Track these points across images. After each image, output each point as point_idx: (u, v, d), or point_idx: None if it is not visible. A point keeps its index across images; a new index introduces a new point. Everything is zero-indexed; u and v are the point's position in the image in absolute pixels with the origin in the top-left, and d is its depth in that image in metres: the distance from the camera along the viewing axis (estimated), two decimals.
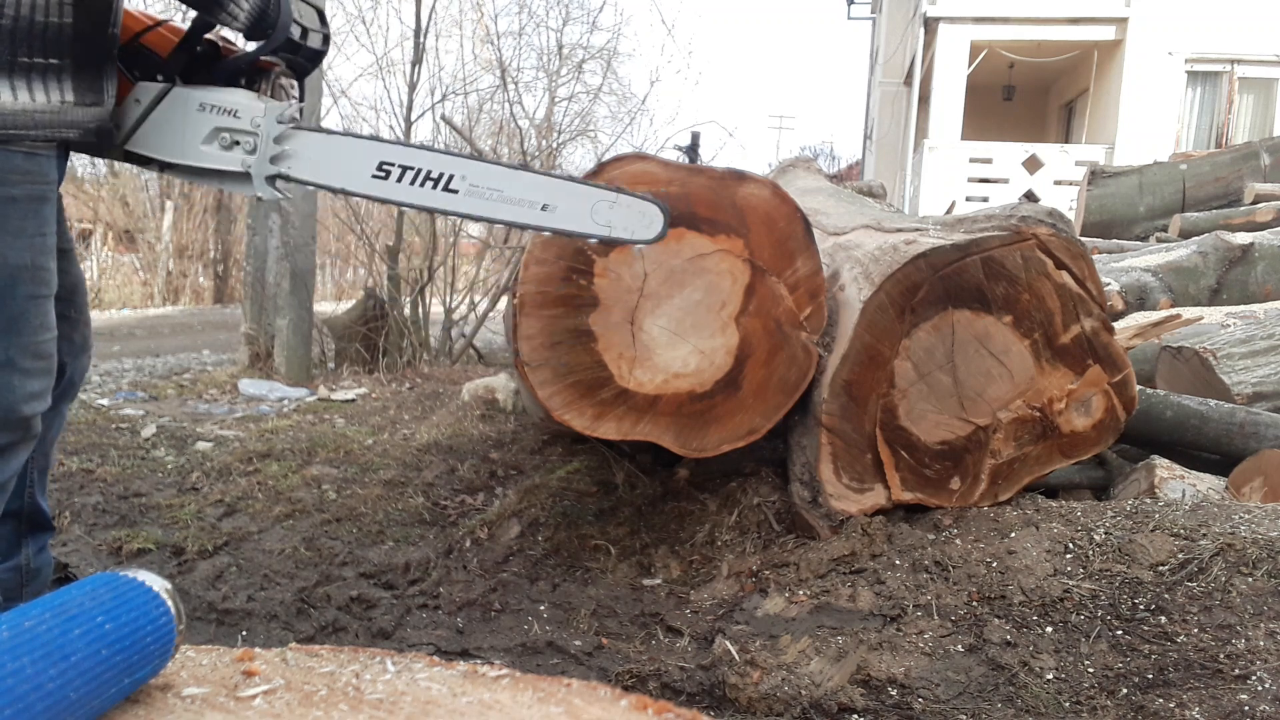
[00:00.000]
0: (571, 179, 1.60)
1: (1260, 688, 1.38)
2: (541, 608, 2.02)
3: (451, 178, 1.52)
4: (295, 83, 1.59)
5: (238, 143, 1.47)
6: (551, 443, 3.05)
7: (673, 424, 2.03)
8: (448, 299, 6.33)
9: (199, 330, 8.63)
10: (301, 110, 1.59)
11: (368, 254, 6.53)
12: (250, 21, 1.43)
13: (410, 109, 6.30)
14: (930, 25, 12.35)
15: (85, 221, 12.39)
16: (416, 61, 6.21)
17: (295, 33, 1.50)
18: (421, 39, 6.13)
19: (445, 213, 1.57)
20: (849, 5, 19.04)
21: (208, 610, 2.04)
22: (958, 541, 1.90)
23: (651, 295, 1.98)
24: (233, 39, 1.56)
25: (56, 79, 1.31)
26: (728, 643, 1.70)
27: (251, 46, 1.52)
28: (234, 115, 1.46)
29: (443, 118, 6.69)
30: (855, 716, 1.50)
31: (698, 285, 1.99)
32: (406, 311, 6.01)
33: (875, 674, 1.56)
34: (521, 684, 0.67)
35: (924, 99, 13.05)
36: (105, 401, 4.43)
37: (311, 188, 1.59)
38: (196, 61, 1.49)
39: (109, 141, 1.46)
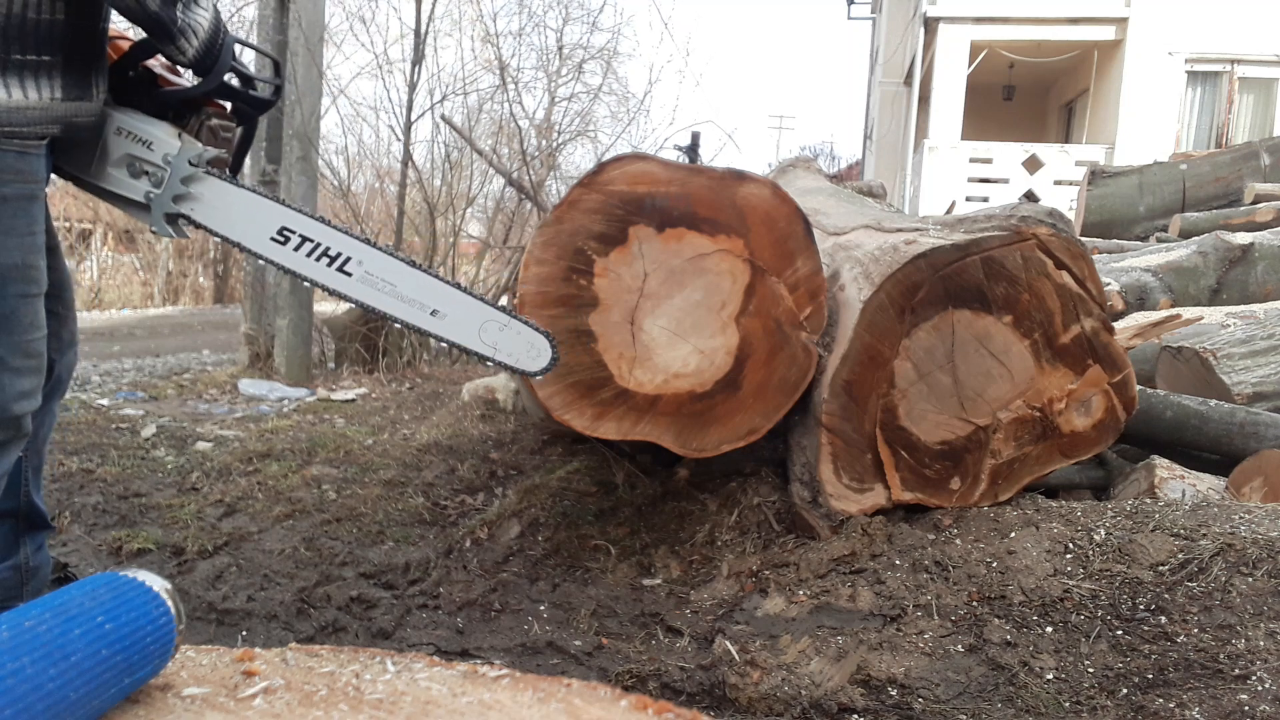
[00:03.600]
0: (468, 292, 1.61)
1: (1260, 688, 1.38)
2: (541, 608, 2.02)
3: (348, 260, 1.53)
4: (232, 126, 1.58)
5: (146, 173, 1.46)
6: (551, 443, 3.05)
7: (673, 424, 2.03)
8: None
9: (199, 330, 8.63)
10: (229, 158, 1.58)
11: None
12: (196, 59, 1.42)
13: (410, 109, 6.30)
14: (930, 25, 12.35)
15: (85, 221, 12.37)
16: (416, 61, 6.21)
17: (233, 80, 1.49)
18: (421, 38, 6.13)
19: (333, 292, 1.57)
20: (849, 5, 19.03)
21: (208, 610, 2.04)
22: (958, 541, 1.90)
23: (651, 295, 1.98)
24: (175, 70, 1.54)
25: (47, 75, 1.30)
26: (728, 643, 1.70)
27: (191, 82, 1.50)
28: (148, 146, 1.45)
29: (443, 117, 6.69)
30: (855, 716, 1.50)
31: (698, 285, 1.99)
32: None
33: (875, 674, 1.56)
34: (521, 684, 0.67)
35: (924, 99, 13.05)
36: (105, 401, 4.44)
37: (211, 235, 1.57)
38: (128, 85, 1.47)
39: (87, 137, 1.43)
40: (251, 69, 1.56)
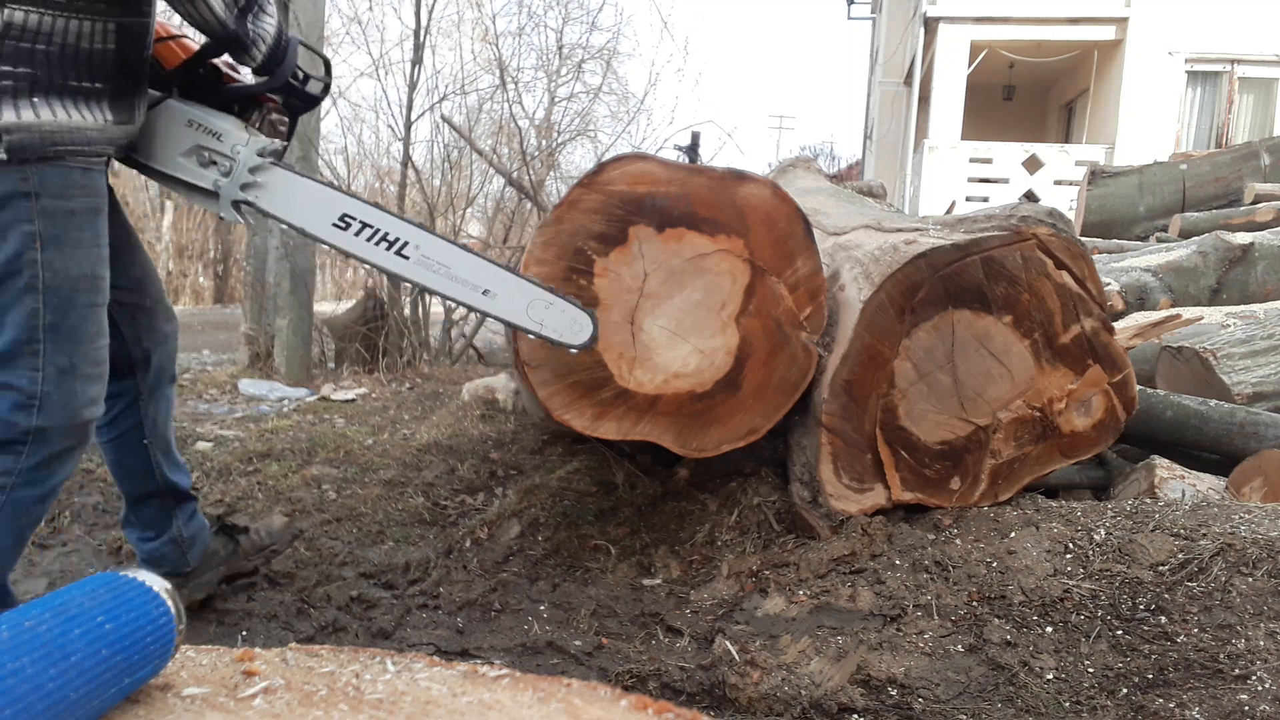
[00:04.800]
0: (516, 273, 1.70)
1: (1260, 688, 1.38)
2: (541, 608, 2.02)
3: (405, 244, 1.63)
4: (286, 120, 1.70)
5: (214, 163, 1.57)
6: (551, 443, 3.05)
7: (673, 424, 2.03)
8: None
9: (199, 330, 8.62)
10: (285, 149, 1.68)
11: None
12: (264, 63, 1.55)
13: (410, 109, 6.30)
14: (930, 25, 12.35)
15: None
16: (416, 61, 6.21)
17: (296, 77, 1.62)
18: (421, 39, 6.13)
19: (391, 274, 1.68)
20: (849, 5, 19.03)
21: (208, 610, 2.04)
22: (958, 541, 1.90)
23: (651, 295, 1.98)
24: (236, 67, 1.65)
25: (98, 100, 1.41)
26: (728, 643, 1.70)
27: (253, 79, 1.63)
28: (217, 138, 1.56)
29: (443, 117, 6.69)
30: (855, 716, 1.50)
31: (698, 285, 1.99)
32: (406, 311, 6.01)
33: (875, 674, 1.56)
34: (521, 684, 0.67)
35: (924, 99, 13.05)
36: None
37: (274, 221, 1.67)
38: (197, 81, 1.59)
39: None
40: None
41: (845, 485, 2.03)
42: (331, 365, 5.82)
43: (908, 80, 14.59)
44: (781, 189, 2.03)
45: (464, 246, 1.69)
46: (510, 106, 6.75)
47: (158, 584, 0.69)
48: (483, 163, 6.89)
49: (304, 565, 2.29)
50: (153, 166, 1.58)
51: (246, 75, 1.65)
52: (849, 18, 19.27)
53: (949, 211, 8.99)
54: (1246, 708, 1.34)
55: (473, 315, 6.48)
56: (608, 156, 2.45)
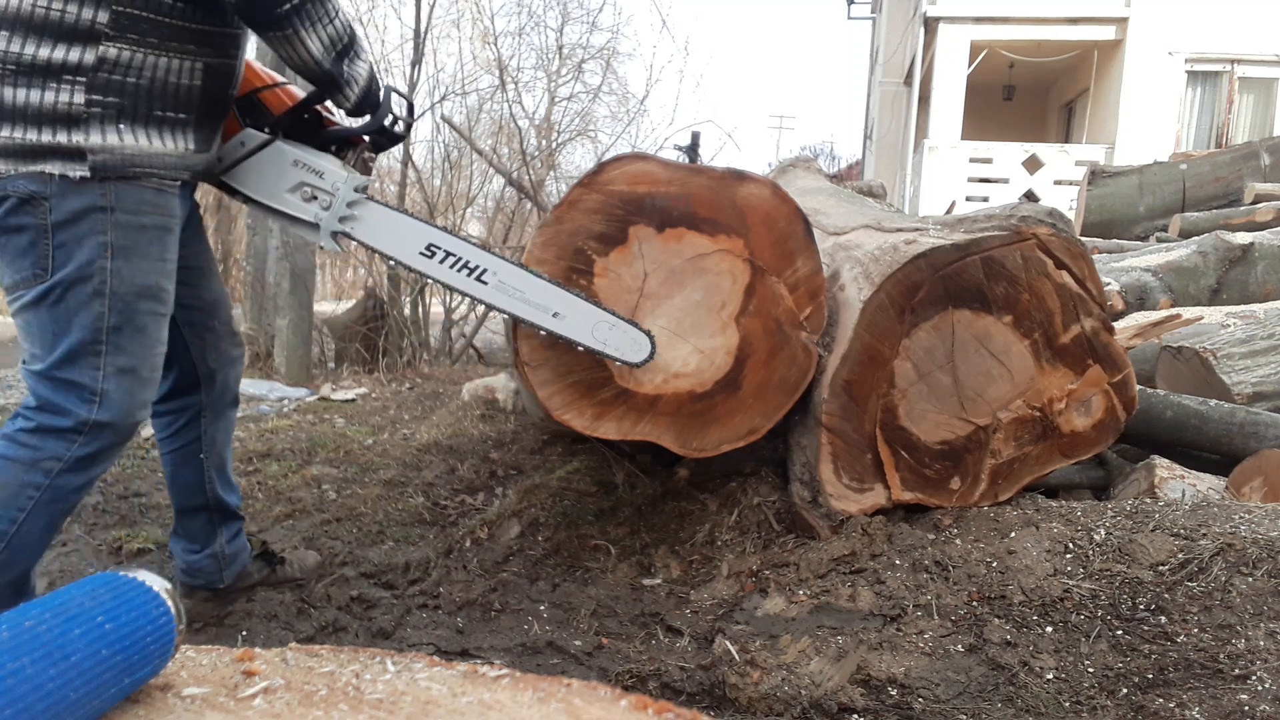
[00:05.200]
0: (582, 298, 1.86)
1: (1260, 688, 1.38)
2: (541, 608, 2.02)
3: (485, 270, 1.78)
4: (375, 157, 1.85)
5: (315, 198, 1.73)
6: (551, 443, 3.05)
7: (673, 424, 2.03)
8: (448, 299, 6.32)
9: None
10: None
11: (368, 254, 6.53)
12: (357, 104, 1.69)
13: (410, 109, 6.29)
14: (930, 25, 12.34)
15: None
16: (416, 62, 6.21)
17: (388, 121, 1.77)
18: (421, 39, 6.13)
19: (473, 298, 1.83)
20: (849, 5, 19.02)
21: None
22: (958, 541, 1.90)
23: (651, 295, 1.98)
24: (334, 111, 1.82)
25: (182, 130, 1.55)
26: (728, 643, 1.70)
27: (348, 122, 1.79)
28: (319, 175, 1.72)
29: (443, 118, 6.69)
30: (855, 716, 1.50)
31: (698, 285, 1.99)
32: (406, 311, 6.01)
33: (875, 674, 1.56)
34: (521, 684, 0.67)
35: (924, 99, 13.05)
36: None
37: (367, 249, 1.83)
38: (301, 125, 1.75)
39: (208, 173, 1.72)
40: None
41: (845, 485, 2.03)
42: (331, 365, 5.82)
43: (908, 80, 14.59)
44: (781, 189, 2.03)
45: (536, 273, 1.83)
46: (510, 106, 6.76)
47: (158, 584, 0.69)
48: (483, 163, 6.89)
49: None
50: (259, 200, 1.75)
51: (341, 117, 1.81)
52: (849, 18, 19.27)
53: (949, 211, 9.00)
54: (1246, 708, 1.34)
55: (473, 315, 6.48)
56: (608, 156, 2.45)
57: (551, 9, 8.85)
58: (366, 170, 1.81)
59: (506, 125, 6.96)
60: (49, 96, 1.41)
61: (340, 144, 1.77)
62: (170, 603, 0.69)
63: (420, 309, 6.10)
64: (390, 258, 1.79)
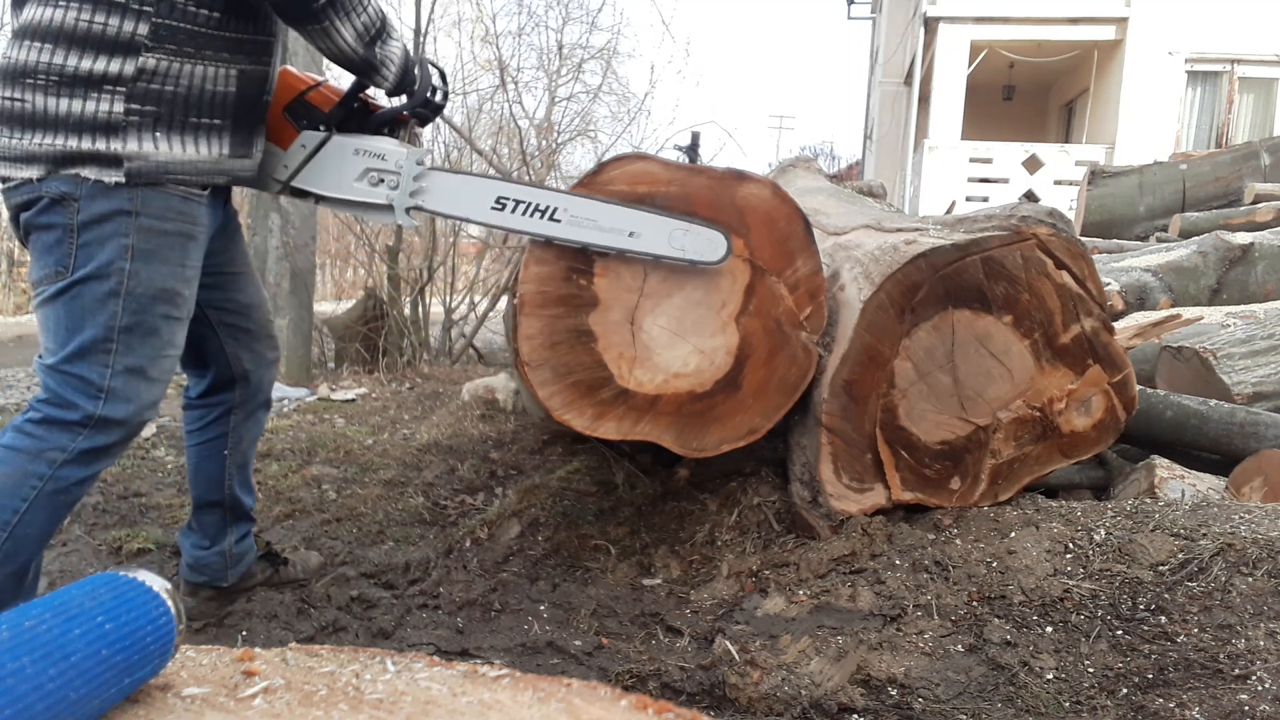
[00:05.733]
0: (652, 210, 1.89)
1: (1260, 688, 1.38)
2: (541, 608, 2.02)
3: (555, 209, 1.82)
4: (421, 129, 1.88)
5: (383, 180, 1.76)
6: (551, 443, 3.05)
7: (673, 424, 2.03)
8: (448, 299, 6.32)
9: None
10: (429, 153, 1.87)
11: (368, 254, 6.53)
12: (395, 84, 1.73)
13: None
14: (930, 25, 12.34)
15: None
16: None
17: (429, 93, 1.80)
18: (421, 39, 6.13)
19: (551, 238, 1.86)
20: (849, 5, 19.02)
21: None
22: (958, 541, 1.90)
23: (651, 295, 1.98)
24: (374, 95, 1.85)
25: (218, 136, 1.59)
26: (728, 643, 1.70)
27: (390, 101, 1.81)
28: (381, 159, 1.76)
29: (442, 117, 6.68)
30: (855, 716, 1.50)
31: (698, 285, 1.99)
32: (406, 311, 6.01)
33: (875, 674, 1.56)
34: (521, 684, 0.67)
35: (924, 99, 13.04)
36: None
37: (441, 217, 1.89)
38: (351, 115, 1.78)
39: (266, 182, 1.78)
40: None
41: (845, 485, 2.03)
42: (331, 365, 5.82)
43: (908, 80, 14.59)
44: (781, 189, 2.03)
45: (606, 199, 1.86)
46: (510, 106, 6.75)
47: (158, 584, 0.69)
48: (483, 162, 6.89)
49: None
50: (329, 196, 1.79)
51: (383, 99, 1.84)
52: (849, 18, 19.26)
53: (949, 211, 9.00)
54: (1246, 708, 1.34)
55: (473, 315, 6.48)
56: (608, 156, 2.45)
57: (552, 9, 8.85)
58: (417, 142, 1.84)
59: (506, 125, 6.96)
60: (89, 106, 1.45)
61: (390, 125, 1.80)
62: (170, 603, 0.69)
63: (420, 309, 6.10)
64: (465, 219, 1.83)
